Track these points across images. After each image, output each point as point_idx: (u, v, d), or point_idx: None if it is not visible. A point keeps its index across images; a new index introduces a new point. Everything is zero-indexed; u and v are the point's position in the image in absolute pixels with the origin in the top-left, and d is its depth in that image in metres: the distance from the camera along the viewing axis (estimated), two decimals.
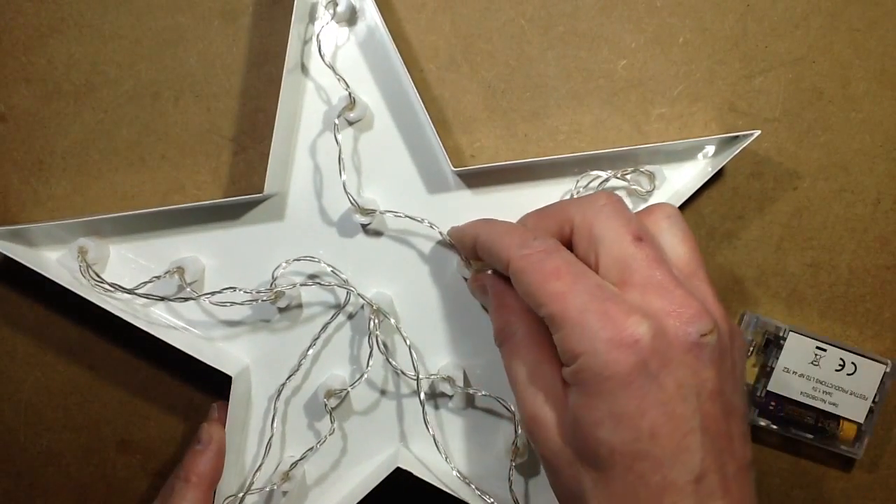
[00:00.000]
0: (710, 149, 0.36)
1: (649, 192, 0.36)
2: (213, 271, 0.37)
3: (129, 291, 0.35)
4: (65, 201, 0.37)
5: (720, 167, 0.35)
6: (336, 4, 0.35)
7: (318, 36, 0.35)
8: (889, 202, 0.37)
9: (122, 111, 0.37)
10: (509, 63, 0.37)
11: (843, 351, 0.36)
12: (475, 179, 0.36)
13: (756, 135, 0.34)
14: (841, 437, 0.37)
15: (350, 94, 0.34)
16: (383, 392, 0.37)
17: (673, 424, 0.25)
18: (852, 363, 0.36)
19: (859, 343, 0.38)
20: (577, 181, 0.36)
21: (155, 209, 0.35)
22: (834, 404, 0.36)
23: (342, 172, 0.34)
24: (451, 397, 0.37)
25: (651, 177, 0.36)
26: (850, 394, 0.36)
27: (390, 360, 0.35)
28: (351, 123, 0.36)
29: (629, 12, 0.36)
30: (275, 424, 0.36)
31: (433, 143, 0.35)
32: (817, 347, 0.36)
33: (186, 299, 0.35)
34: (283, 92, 0.34)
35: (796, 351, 0.36)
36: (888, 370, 0.36)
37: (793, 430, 0.37)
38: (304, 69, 0.36)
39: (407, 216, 0.35)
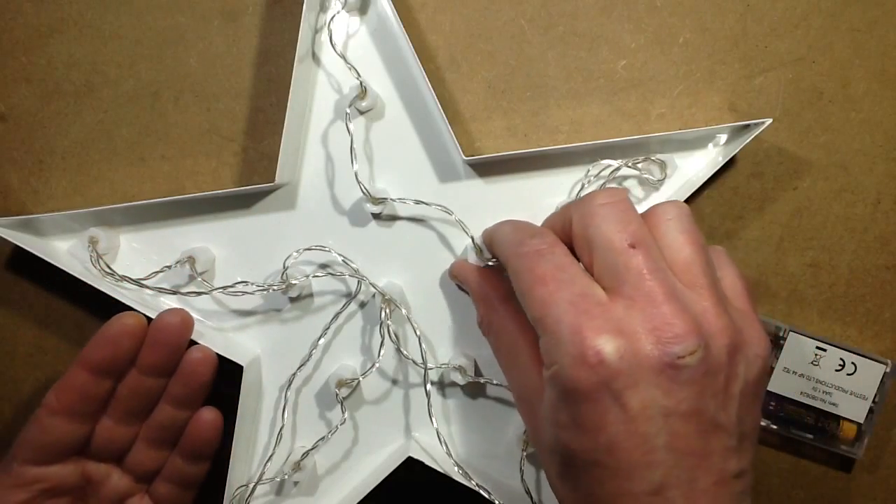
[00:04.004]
0: (722, 137, 0.36)
1: (661, 181, 0.36)
2: (223, 261, 0.37)
3: (140, 284, 0.35)
4: (65, 201, 0.37)
5: (732, 155, 0.35)
6: None
7: (329, 24, 0.35)
8: (889, 202, 0.37)
9: (122, 111, 0.37)
10: (509, 63, 0.37)
11: (843, 351, 0.36)
12: (486, 169, 0.36)
13: (768, 123, 0.34)
14: (841, 437, 0.37)
15: (361, 83, 0.34)
16: (395, 382, 0.37)
17: (633, 442, 0.24)
18: (852, 363, 0.36)
19: (859, 343, 0.38)
20: (589, 170, 0.36)
21: (166, 199, 0.35)
22: (834, 404, 0.36)
23: (354, 162, 0.34)
24: (462, 386, 0.37)
25: (662, 165, 0.36)
26: (850, 394, 0.36)
27: (401, 349, 0.35)
28: (362, 113, 0.36)
29: (629, 12, 0.36)
30: (286, 414, 0.36)
31: (444, 133, 0.35)
32: (817, 347, 0.36)
33: (199, 293, 0.35)
34: (294, 81, 0.33)
35: (796, 351, 0.36)
36: (888, 370, 0.36)
37: (793, 430, 0.37)
38: (315, 58, 0.36)
39: (419, 201, 0.35)
